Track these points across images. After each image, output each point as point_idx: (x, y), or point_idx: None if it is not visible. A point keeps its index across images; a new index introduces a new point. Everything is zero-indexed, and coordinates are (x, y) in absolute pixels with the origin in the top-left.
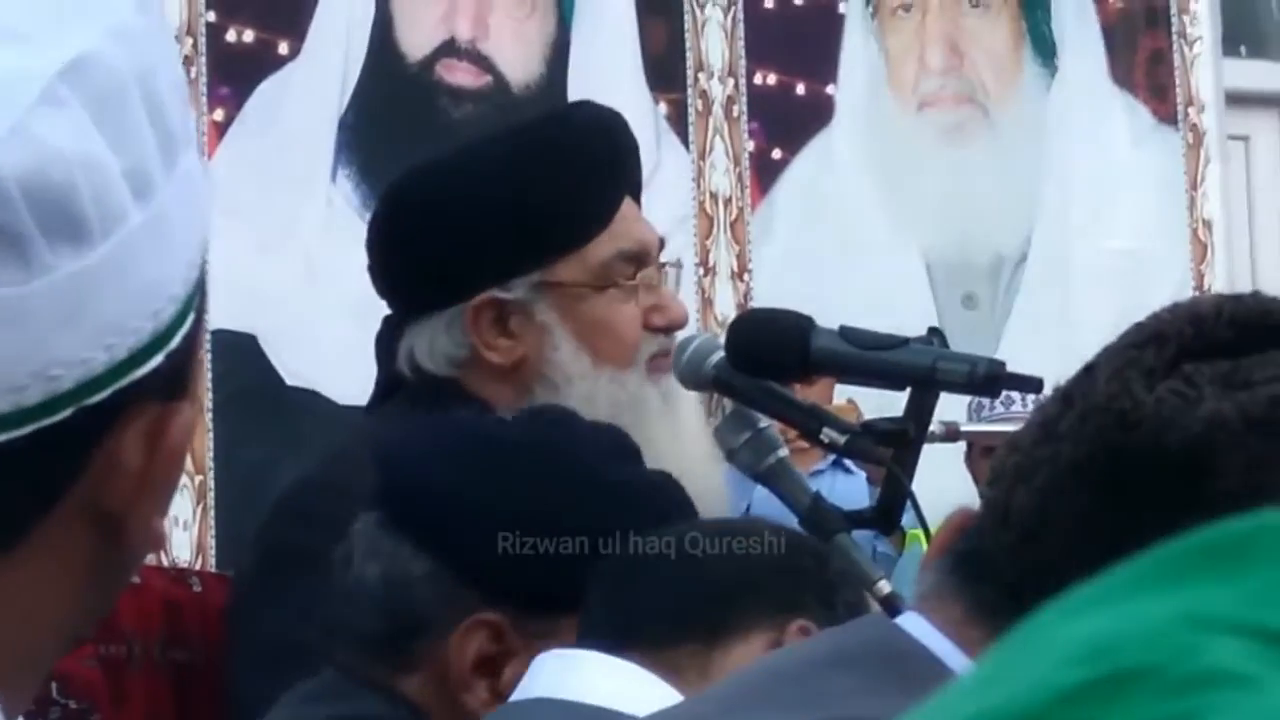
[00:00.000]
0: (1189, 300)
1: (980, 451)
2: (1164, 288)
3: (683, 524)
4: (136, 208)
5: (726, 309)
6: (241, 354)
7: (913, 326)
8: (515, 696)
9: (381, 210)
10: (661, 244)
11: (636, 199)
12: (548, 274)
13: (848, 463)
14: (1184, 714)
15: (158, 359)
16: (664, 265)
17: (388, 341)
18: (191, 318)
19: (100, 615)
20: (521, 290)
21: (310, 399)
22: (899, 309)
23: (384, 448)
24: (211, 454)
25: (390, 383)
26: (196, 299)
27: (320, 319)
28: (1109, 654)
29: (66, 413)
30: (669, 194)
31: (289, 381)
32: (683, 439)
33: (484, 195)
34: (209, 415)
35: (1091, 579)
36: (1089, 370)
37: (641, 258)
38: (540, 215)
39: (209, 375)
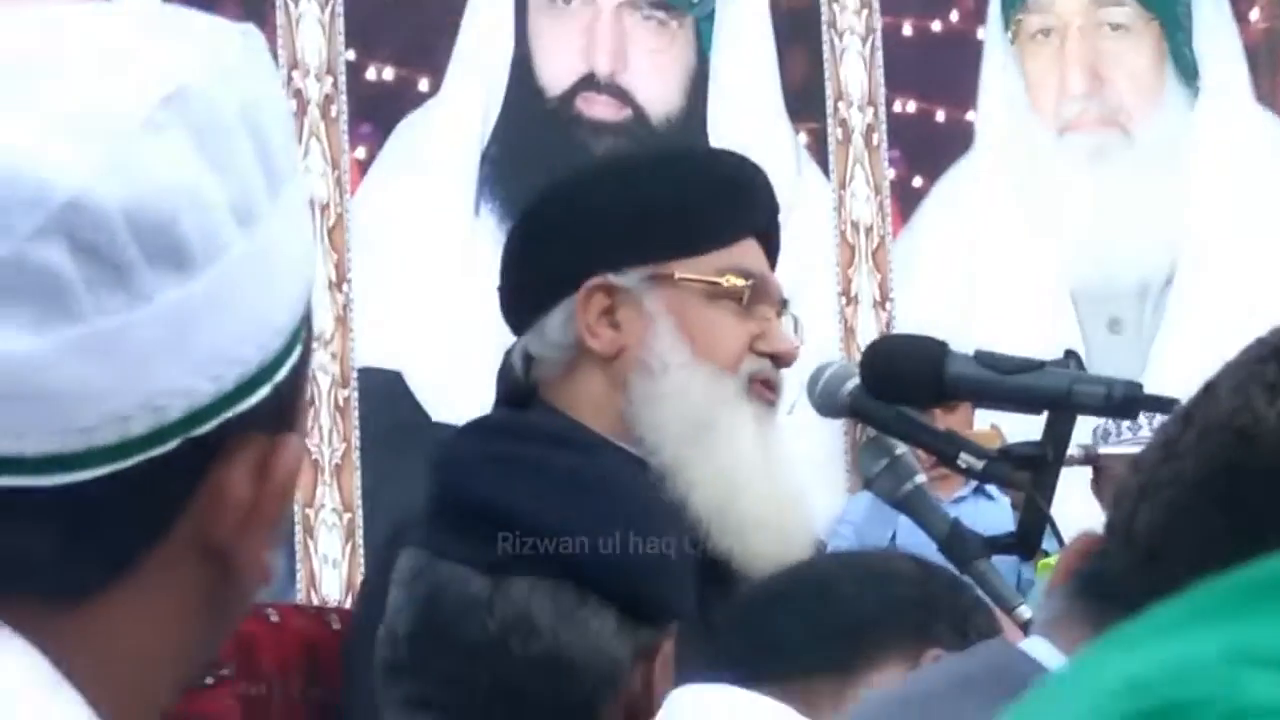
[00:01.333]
0: None
1: (1108, 477)
2: None
3: (816, 557)
4: (240, 237)
5: (869, 338)
6: (388, 391)
7: (1057, 352)
8: None
9: (514, 224)
10: (785, 302)
11: (771, 261)
12: (661, 268)
13: (990, 489)
14: None
15: (264, 390)
16: (786, 312)
17: (506, 368)
18: (299, 350)
19: (211, 651)
20: (634, 279)
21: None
22: (1043, 334)
23: (518, 511)
24: (359, 492)
25: (503, 402)
26: (303, 331)
27: (464, 353)
28: (1153, 688)
29: (173, 444)
30: (810, 224)
31: (434, 418)
32: (773, 460)
33: (610, 189)
34: (356, 454)
35: (1140, 615)
36: (1209, 388)
37: (760, 286)
38: (661, 211)
39: (355, 414)
